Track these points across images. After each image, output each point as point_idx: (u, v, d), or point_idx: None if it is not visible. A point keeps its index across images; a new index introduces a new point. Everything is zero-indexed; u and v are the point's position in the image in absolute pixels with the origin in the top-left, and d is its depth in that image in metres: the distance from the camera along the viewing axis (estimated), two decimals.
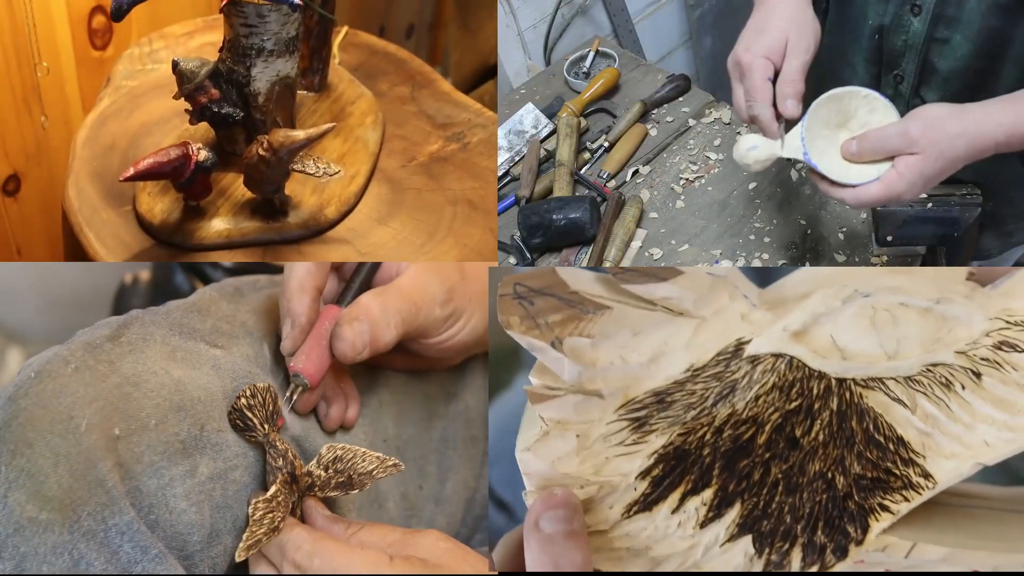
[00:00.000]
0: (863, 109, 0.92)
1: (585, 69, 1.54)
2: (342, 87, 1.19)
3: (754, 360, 0.58)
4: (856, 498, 0.58)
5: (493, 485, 0.96)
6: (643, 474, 0.59)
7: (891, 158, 0.88)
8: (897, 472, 0.58)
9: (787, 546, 0.59)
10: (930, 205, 1.07)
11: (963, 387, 0.57)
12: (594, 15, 1.87)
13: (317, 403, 0.77)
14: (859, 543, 0.58)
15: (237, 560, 0.68)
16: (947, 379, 0.57)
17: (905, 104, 1.11)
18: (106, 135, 1.12)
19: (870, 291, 0.56)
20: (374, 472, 0.73)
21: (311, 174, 1.07)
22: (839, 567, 0.59)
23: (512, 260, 1.27)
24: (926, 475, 0.57)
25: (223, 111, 1.01)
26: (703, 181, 1.31)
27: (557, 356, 0.58)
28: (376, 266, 0.82)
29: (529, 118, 1.45)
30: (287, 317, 0.76)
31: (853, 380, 0.57)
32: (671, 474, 0.59)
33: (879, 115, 0.91)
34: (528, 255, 1.26)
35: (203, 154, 0.97)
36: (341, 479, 0.72)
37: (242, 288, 0.82)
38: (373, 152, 1.12)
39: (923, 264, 1.13)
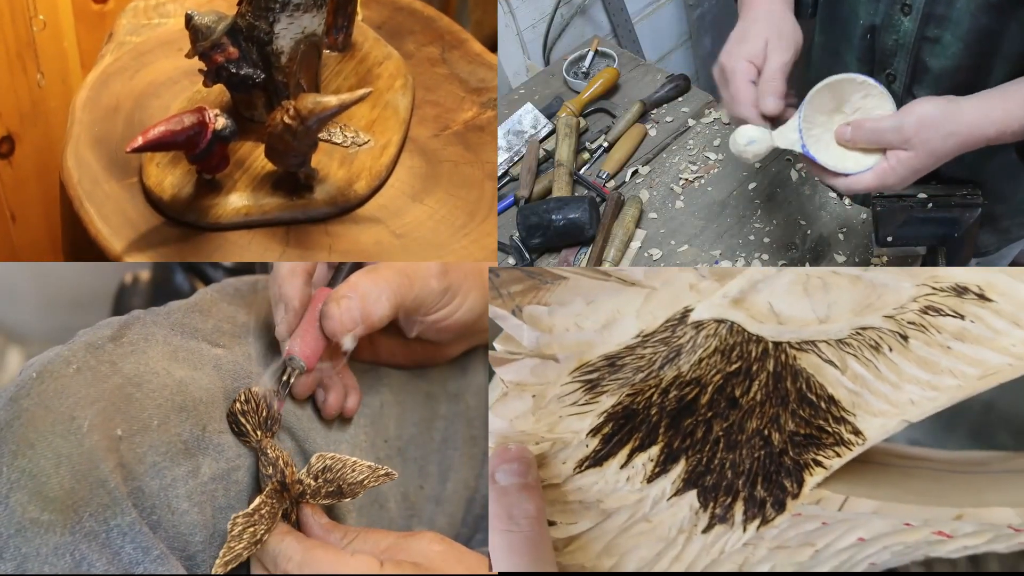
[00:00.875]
0: (857, 94, 0.94)
1: (584, 69, 1.54)
2: (368, 46, 1.09)
3: (698, 325, 0.60)
4: (791, 454, 0.62)
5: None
6: (594, 431, 0.63)
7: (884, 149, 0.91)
8: (829, 429, 0.61)
9: (729, 500, 0.63)
10: (930, 205, 1.07)
11: (890, 349, 0.59)
12: (593, 15, 1.87)
13: (314, 388, 0.77)
14: (795, 496, 0.62)
15: None
16: (876, 341, 0.59)
17: (899, 103, 1.11)
18: (108, 96, 1.03)
19: None
20: (365, 482, 0.72)
21: (338, 143, 0.98)
22: (778, 520, 0.63)
23: (511, 260, 1.27)
24: (856, 432, 0.61)
25: (242, 72, 0.91)
26: (703, 181, 1.31)
27: (517, 323, 0.61)
28: None
29: (528, 118, 1.45)
30: (279, 302, 0.75)
31: (788, 343, 0.60)
32: (620, 432, 0.63)
33: (874, 100, 0.94)
34: (527, 255, 1.26)
35: (221, 121, 0.88)
36: (331, 488, 0.72)
37: (243, 288, 0.82)
38: (404, 119, 1.03)
39: (923, 264, 1.13)
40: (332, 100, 0.86)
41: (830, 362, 0.60)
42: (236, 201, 0.93)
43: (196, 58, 0.92)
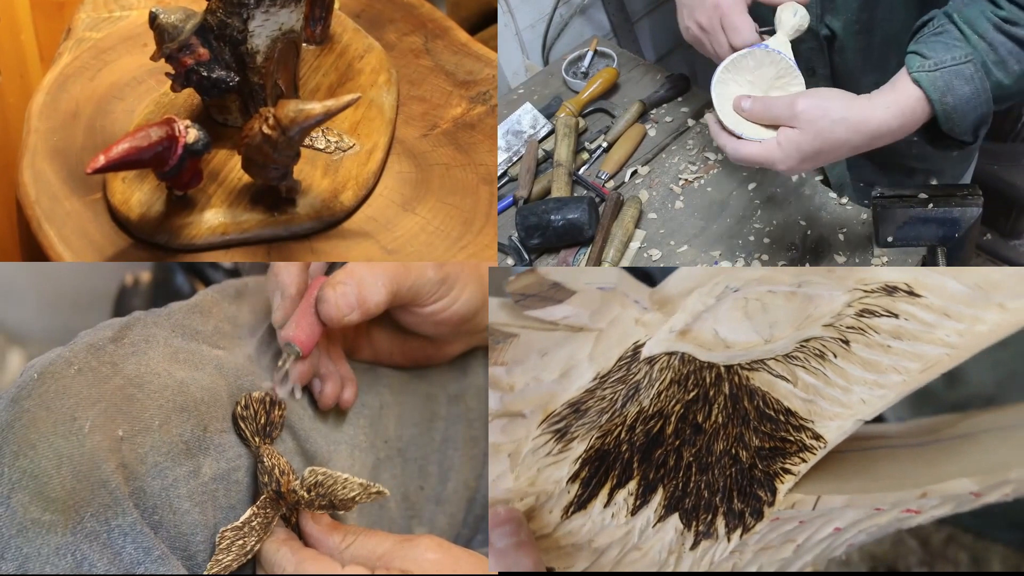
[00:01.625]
0: (784, 80, 0.96)
1: (583, 69, 1.54)
2: (347, 38, 1.01)
3: (651, 360, 0.64)
4: (760, 467, 0.65)
5: None
6: (572, 478, 0.66)
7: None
8: (791, 439, 0.65)
9: (710, 517, 0.66)
10: (931, 205, 1.07)
11: (835, 355, 0.62)
12: (593, 14, 1.87)
13: (312, 374, 0.77)
14: (771, 504, 0.66)
15: None
16: (820, 350, 0.63)
17: (816, 38, 1.14)
18: (67, 100, 0.94)
19: (738, 285, 0.62)
20: (356, 498, 0.71)
21: (321, 150, 0.91)
22: (759, 527, 0.66)
23: (510, 261, 1.27)
24: (816, 437, 0.64)
25: (214, 75, 0.84)
26: (702, 181, 1.31)
27: None
28: None
29: (527, 118, 1.44)
30: (276, 290, 0.75)
31: (739, 365, 0.64)
32: (597, 474, 0.66)
33: (788, 80, 0.96)
34: (526, 256, 1.26)
35: (193, 134, 0.80)
36: (323, 502, 0.71)
37: (243, 289, 0.82)
38: (390, 119, 0.95)
39: (924, 265, 1.13)
40: (316, 107, 0.80)
41: (781, 377, 0.64)
42: (211, 219, 0.86)
43: (163, 60, 0.85)
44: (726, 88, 0.97)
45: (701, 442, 0.65)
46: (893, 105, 0.90)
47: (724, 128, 0.96)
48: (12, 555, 0.62)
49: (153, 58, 0.83)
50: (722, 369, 0.64)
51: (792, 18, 0.97)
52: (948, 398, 0.97)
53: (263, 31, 0.85)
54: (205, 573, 0.68)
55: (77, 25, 1.02)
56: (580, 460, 0.66)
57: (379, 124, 0.94)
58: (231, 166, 0.88)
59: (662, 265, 1.21)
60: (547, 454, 0.66)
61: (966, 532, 1.01)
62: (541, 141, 1.42)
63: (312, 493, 0.71)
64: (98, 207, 0.87)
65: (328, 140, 0.91)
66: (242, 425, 0.72)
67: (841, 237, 1.20)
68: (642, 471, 0.66)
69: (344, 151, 0.91)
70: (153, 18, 0.82)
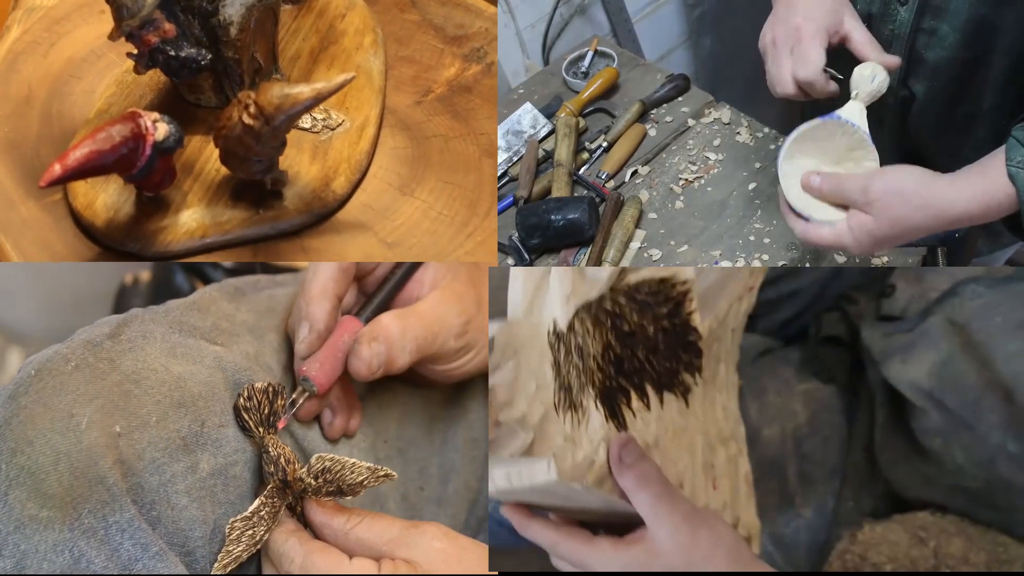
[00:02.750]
0: (857, 152, 0.92)
1: (584, 69, 1.54)
2: None
3: (569, 327, 0.70)
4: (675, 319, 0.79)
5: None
6: (605, 418, 0.72)
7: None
8: (673, 293, 0.79)
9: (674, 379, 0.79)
10: None
11: None
12: (593, 14, 1.87)
13: (320, 412, 0.78)
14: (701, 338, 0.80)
15: None
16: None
17: (893, 96, 1.10)
18: (18, 83, 0.82)
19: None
20: (364, 482, 0.72)
21: (307, 129, 0.80)
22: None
23: (510, 261, 1.27)
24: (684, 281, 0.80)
25: (182, 54, 0.73)
26: (702, 181, 1.31)
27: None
28: (402, 282, 0.80)
29: (527, 118, 1.44)
30: (305, 321, 0.76)
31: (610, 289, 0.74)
32: (614, 403, 0.73)
33: (861, 153, 0.91)
34: (526, 256, 1.26)
35: (163, 129, 0.70)
36: (331, 488, 0.72)
37: (243, 288, 0.82)
38: (379, 87, 0.84)
39: (924, 264, 1.13)
40: (304, 91, 0.70)
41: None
42: (188, 220, 0.76)
43: (123, 39, 0.73)
44: (794, 161, 0.92)
45: (637, 338, 0.75)
46: (981, 195, 0.82)
47: (791, 208, 0.91)
48: (10, 552, 0.62)
49: (111, 37, 0.71)
50: (606, 295, 0.72)
51: (870, 84, 0.92)
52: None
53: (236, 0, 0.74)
54: (216, 565, 0.68)
55: None
56: (597, 402, 0.71)
57: (368, 94, 0.83)
58: (207, 155, 0.77)
59: (662, 265, 1.21)
60: (575, 424, 0.70)
61: None
62: (541, 141, 1.42)
63: (320, 480, 0.71)
64: (59, 211, 0.76)
65: (315, 118, 0.80)
66: (245, 416, 0.71)
67: None
68: (629, 380, 0.74)
69: (332, 129, 0.81)
70: None
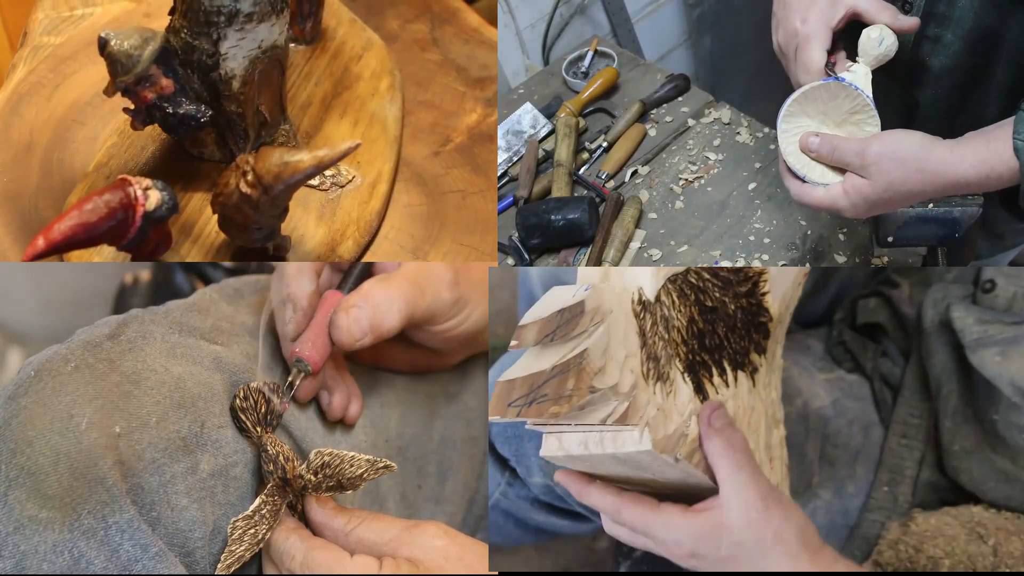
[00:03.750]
0: (847, 104, 0.91)
1: (584, 69, 1.54)
2: (342, 33, 0.84)
3: (656, 299, 0.72)
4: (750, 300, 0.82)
5: (493, 439, 0.96)
6: (693, 392, 0.74)
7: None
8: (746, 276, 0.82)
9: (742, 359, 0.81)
10: (931, 206, 1.06)
11: None
12: (593, 14, 1.87)
13: (318, 391, 0.77)
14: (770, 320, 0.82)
15: None
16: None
17: (900, 103, 1.10)
18: (20, 128, 0.79)
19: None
20: (364, 475, 0.72)
21: (315, 187, 0.77)
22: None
23: (510, 261, 1.27)
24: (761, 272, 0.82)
25: (180, 111, 0.69)
26: (702, 181, 1.31)
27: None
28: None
29: (527, 118, 1.44)
30: (287, 302, 0.75)
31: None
32: (697, 376, 0.75)
33: (862, 117, 0.91)
34: (526, 256, 1.26)
35: (154, 198, 0.67)
36: (331, 483, 0.72)
37: (242, 289, 0.82)
38: (395, 137, 0.79)
39: (924, 265, 1.13)
40: (305, 159, 0.67)
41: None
42: None
43: (119, 95, 0.68)
44: (795, 120, 0.92)
45: (719, 314, 0.77)
46: (981, 164, 0.82)
47: (788, 168, 0.91)
48: (9, 552, 0.62)
49: (107, 92, 0.67)
50: (692, 268, 0.76)
51: (877, 48, 0.91)
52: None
53: (239, 52, 0.69)
54: (220, 565, 0.68)
55: (34, 28, 0.85)
56: (684, 375, 0.73)
57: (382, 146, 0.79)
58: (208, 216, 0.71)
59: (662, 265, 1.21)
60: (665, 395, 0.71)
61: None
62: (541, 141, 1.42)
63: (320, 475, 0.71)
64: None
65: (323, 175, 0.76)
66: (242, 416, 0.71)
67: (841, 237, 1.20)
68: (711, 356, 0.76)
69: (342, 187, 0.76)
70: (103, 45, 0.66)
